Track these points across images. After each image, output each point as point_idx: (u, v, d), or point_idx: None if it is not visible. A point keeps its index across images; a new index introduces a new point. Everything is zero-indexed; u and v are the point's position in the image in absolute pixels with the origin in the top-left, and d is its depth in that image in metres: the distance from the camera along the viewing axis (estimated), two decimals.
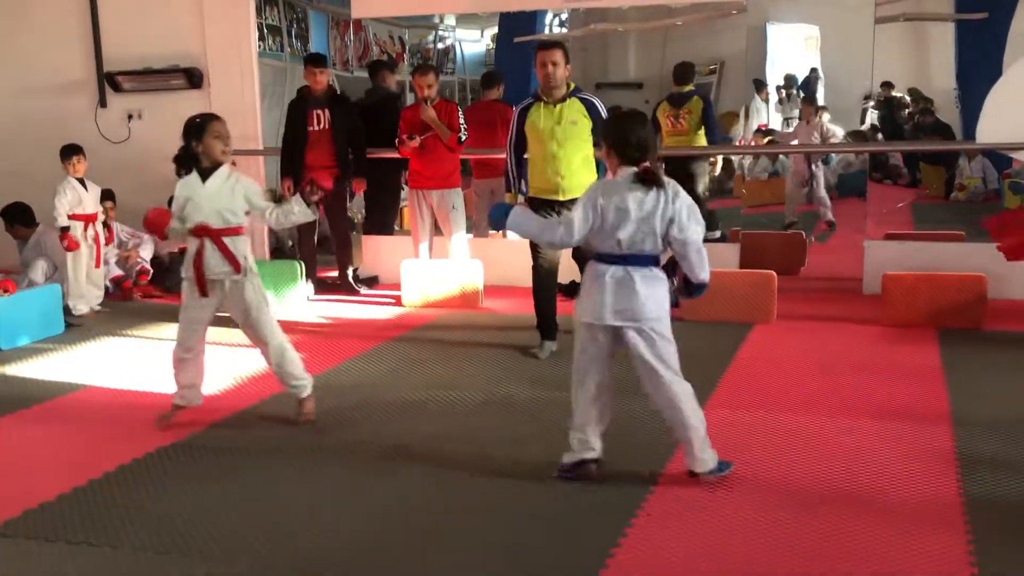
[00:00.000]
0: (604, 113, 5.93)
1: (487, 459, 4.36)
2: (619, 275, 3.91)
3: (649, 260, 3.93)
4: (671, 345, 3.98)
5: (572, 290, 7.69)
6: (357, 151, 8.04)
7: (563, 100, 5.95)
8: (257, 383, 5.70)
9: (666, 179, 3.91)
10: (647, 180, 3.86)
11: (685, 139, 9.06)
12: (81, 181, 7.55)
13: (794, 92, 12.49)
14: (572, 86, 6.03)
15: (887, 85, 9.66)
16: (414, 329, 6.99)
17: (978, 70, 8.49)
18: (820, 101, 11.08)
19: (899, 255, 7.44)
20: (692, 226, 3.90)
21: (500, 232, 8.90)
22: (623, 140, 3.93)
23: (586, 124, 5.92)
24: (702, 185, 8.95)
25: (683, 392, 3.98)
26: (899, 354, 6.00)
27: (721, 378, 5.53)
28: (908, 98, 9.60)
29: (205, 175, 4.82)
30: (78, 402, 5.50)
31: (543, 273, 6.15)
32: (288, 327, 7.04)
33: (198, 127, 4.79)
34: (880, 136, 9.55)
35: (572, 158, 5.88)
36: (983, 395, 5.15)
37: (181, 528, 3.75)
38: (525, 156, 6.12)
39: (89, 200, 7.59)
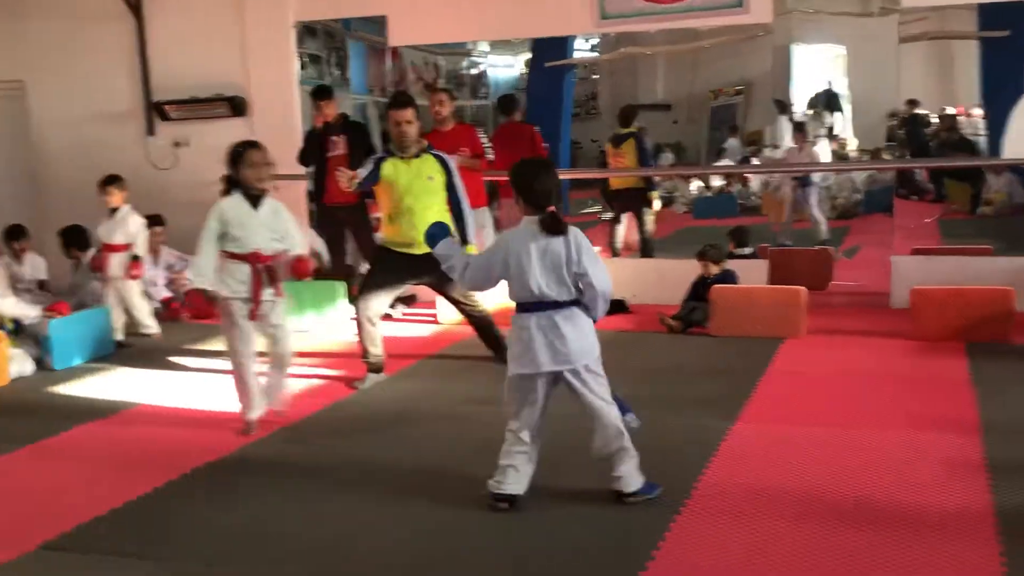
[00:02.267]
0: (456, 170, 5.97)
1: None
2: (543, 322, 3.86)
3: (567, 304, 3.87)
4: (603, 378, 3.99)
5: (622, 306, 7.70)
6: None
7: (417, 156, 5.92)
8: (305, 398, 5.73)
9: (569, 227, 3.86)
10: (549, 227, 3.81)
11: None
12: (115, 211, 7.43)
13: (820, 111, 12.44)
14: (425, 144, 6.01)
15: (912, 102, 9.59)
16: (451, 346, 7.00)
17: (1003, 86, 8.42)
18: (839, 121, 11.06)
19: (927, 270, 7.36)
20: (599, 274, 3.86)
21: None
22: (528, 187, 3.89)
23: (441, 180, 5.92)
24: (649, 218, 9.38)
25: (619, 419, 3.99)
26: (928, 367, 5.93)
27: (752, 392, 5.49)
28: (940, 117, 9.52)
29: (255, 201, 4.92)
30: (130, 419, 5.56)
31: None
32: (331, 345, 7.14)
33: (235, 155, 4.95)
34: (901, 155, 9.48)
35: (427, 212, 5.76)
36: (1012, 406, 5.08)
37: (229, 542, 3.77)
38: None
39: (119, 231, 7.41)
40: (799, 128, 10.80)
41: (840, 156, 11.46)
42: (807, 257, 8.61)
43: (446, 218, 5.97)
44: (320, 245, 9.40)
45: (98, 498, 4.24)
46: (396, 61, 12.27)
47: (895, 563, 3.37)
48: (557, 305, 3.86)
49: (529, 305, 3.89)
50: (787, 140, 11.59)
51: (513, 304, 3.97)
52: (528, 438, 3.98)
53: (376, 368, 6.09)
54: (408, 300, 8.54)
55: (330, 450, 4.83)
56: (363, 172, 5.86)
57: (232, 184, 5.00)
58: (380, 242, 6.23)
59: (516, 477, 3.98)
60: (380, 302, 6.06)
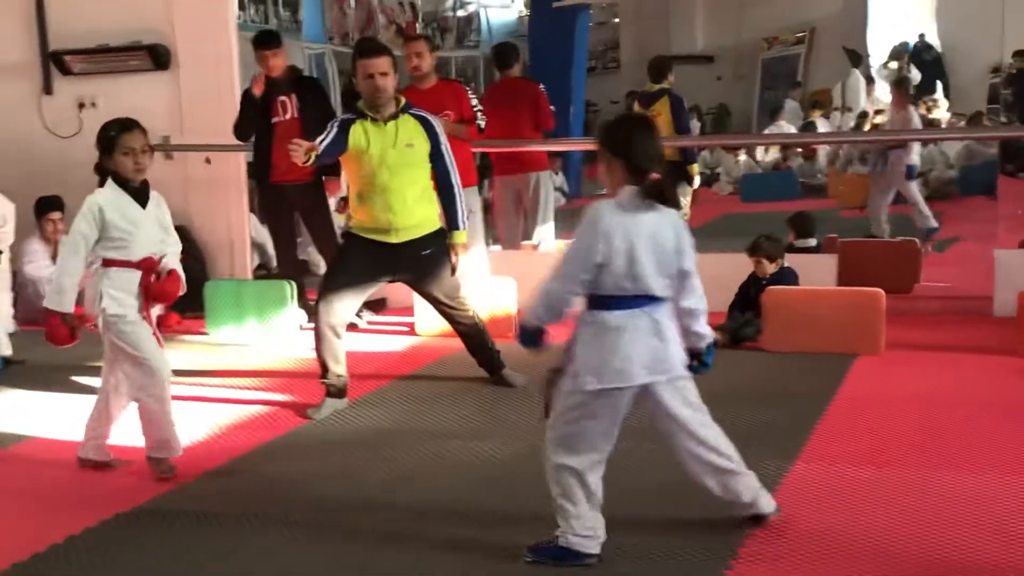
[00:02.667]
0: (443, 135, 6.02)
1: (518, 526, 4.35)
2: (642, 322, 3.87)
3: (664, 300, 3.92)
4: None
5: None
6: None
7: (395, 117, 5.92)
8: (235, 433, 5.74)
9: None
10: (658, 195, 3.85)
11: None
12: None
13: (905, 66, 12.48)
14: (403, 101, 6.01)
15: (1021, 55, 9.59)
16: (431, 364, 7.01)
17: None
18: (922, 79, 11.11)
19: None
20: (693, 256, 3.95)
21: (532, 246, 8.95)
22: (627, 147, 3.91)
23: (424, 147, 5.95)
24: (685, 200, 9.24)
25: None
26: None
27: (817, 424, 5.50)
28: None
29: (139, 196, 4.96)
30: (16, 458, 5.56)
31: None
32: (278, 361, 7.15)
33: (106, 141, 4.97)
34: (1008, 120, 9.48)
35: (406, 191, 5.86)
36: None
37: None
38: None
39: None
40: (900, 84, 10.80)
41: (928, 123, 11.51)
42: (887, 251, 8.64)
43: (431, 198, 6.02)
44: (264, 235, 9.43)
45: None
46: (362, 1, 12.30)
47: None
48: (655, 300, 3.89)
49: (621, 300, 3.87)
50: (862, 101, 11.63)
51: (574, 301, 3.92)
52: (597, 480, 3.96)
53: (337, 392, 6.10)
54: (377, 305, 8.55)
55: (270, 497, 4.83)
56: (324, 141, 5.81)
57: (103, 175, 5.02)
58: (346, 229, 6.24)
59: (591, 534, 3.96)
60: (347, 306, 6.07)
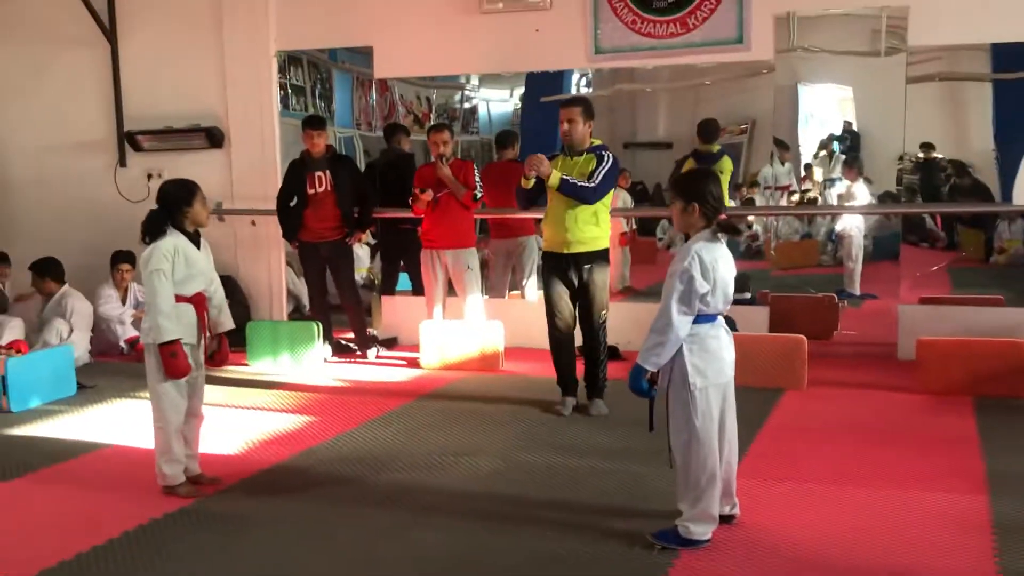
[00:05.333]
0: (609, 163, 6.06)
1: (504, 527, 4.32)
2: (723, 331, 4.11)
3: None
4: None
5: (614, 353, 7.68)
6: (364, 206, 8.12)
7: (580, 154, 6.10)
8: (266, 447, 5.70)
9: None
10: (729, 230, 4.07)
11: None
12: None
13: (835, 151, 12.48)
14: (596, 142, 6.15)
15: (927, 146, 9.64)
16: (432, 391, 6.98)
17: (1017, 130, 8.48)
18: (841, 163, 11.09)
19: (935, 320, 7.38)
20: None
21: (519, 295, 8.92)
22: (705, 193, 4.05)
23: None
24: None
25: None
26: (934, 423, 5.93)
27: (749, 447, 5.46)
28: (950, 162, 9.57)
29: (194, 239, 4.93)
30: (89, 464, 5.52)
31: (560, 333, 6.28)
32: (304, 389, 7.11)
33: (189, 191, 4.92)
34: (915, 199, 9.51)
35: (578, 212, 6.02)
36: (1021, 465, 5.06)
37: None
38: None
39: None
40: (849, 164, 10.80)
41: (847, 199, 11.48)
42: (810, 304, 8.62)
43: (597, 221, 6.12)
44: (299, 285, 9.41)
45: (49, 549, 4.20)
46: (385, 94, 12.36)
47: None
48: (720, 314, 4.10)
49: (707, 316, 4.03)
50: (781, 180, 11.58)
51: None
52: (719, 455, 4.12)
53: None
54: (389, 343, 8.53)
55: (296, 501, 4.80)
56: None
57: (159, 225, 4.87)
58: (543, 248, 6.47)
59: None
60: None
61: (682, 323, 3.95)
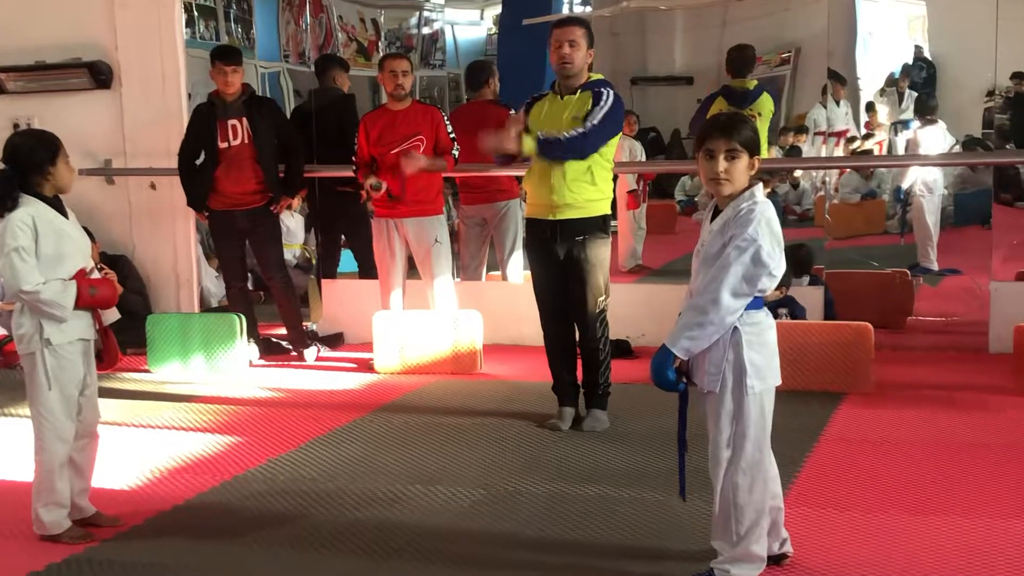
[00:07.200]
0: (610, 102, 5.98)
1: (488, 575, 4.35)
2: (771, 320, 4.10)
3: None
4: None
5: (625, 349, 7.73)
6: (292, 167, 8.07)
7: (574, 93, 6.06)
8: (178, 478, 5.70)
9: None
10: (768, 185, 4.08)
11: None
12: None
13: (906, 88, 12.55)
14: (595, 77, 6.13)
15: (1018, 76, 9.68)
16: (390, 403, 6.99)
17: None
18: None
19: None
20: None
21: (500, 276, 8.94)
22: (755, 147, 4.01)
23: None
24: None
25: None
26: None
27: (802, 467, 5.51)
28: None
29: (58, 206, 4.85)
30: None
31: (554, 326, 6.29)
32: (225, 401, 7.11)
33: (50, 146, 4.81)
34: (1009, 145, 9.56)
35: (567, 166, 5.96)
36: None
37: None
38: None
39: None
40: (923, 101, 10.83)
41: (920, 147, 11.54)
42: (877, 283, 8.67)
43: (592, 178, 6.06)
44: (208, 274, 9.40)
45: None
46: (320, 16, 12.33)
47: None
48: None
49: (758, 298, 3.97)
50: (836, 124, 11.64)
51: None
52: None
53: None
54: (333, 340, 8.53)
55: (223, 545, 4.80)
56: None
57: (11, 190, 4.75)
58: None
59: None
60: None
61: (733, 306, 3.86)
